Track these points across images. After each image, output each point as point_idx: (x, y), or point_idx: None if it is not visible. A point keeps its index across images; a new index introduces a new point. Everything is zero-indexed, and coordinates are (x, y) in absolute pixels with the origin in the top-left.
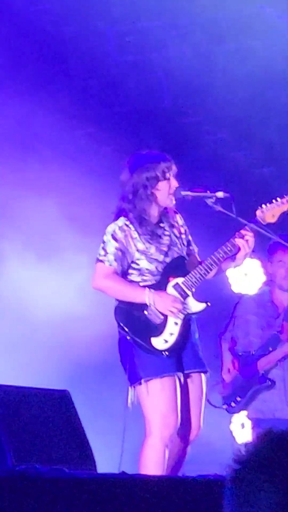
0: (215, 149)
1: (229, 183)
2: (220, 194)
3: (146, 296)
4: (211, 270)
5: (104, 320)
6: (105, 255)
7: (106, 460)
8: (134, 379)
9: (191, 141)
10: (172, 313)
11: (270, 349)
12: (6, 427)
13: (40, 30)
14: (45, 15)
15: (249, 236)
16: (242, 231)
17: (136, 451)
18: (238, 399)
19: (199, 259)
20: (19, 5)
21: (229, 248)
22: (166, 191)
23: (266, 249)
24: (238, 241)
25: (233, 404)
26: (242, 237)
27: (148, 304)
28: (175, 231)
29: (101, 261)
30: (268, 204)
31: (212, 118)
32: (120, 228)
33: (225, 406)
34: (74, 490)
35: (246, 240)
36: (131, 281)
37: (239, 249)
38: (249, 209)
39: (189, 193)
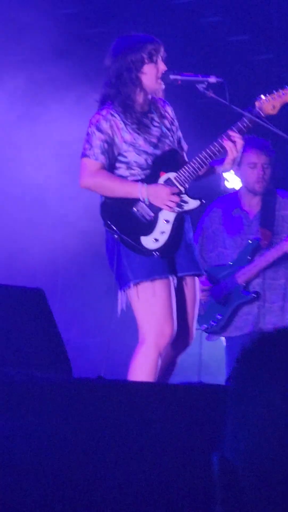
0: (210, 33)
1: (225, 70)
2: (212, 79)
3: (139, 190)
4: (203, 166)
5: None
6: (90, 149)
7: (89, 366)
8: (123, 283)
9: (184, 24)
10: (169, 207)
11: (249, 258)
12: None
13: None
14: None
15: (237, 137)
16: (230, 132)
17: (121, 358)
18: (219, 317)
19: (186, 159)
20: None
21: (217, 149)
22: (153, 75)
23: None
24: (226, 143)
25: (212, 323)
26: (230, 138)
27: (142, 199)
28: (166, 122)
29: (86, 155)
30: (268, 95)
31: None
32: (105, 117)
33: (204, 327)
34: (46, 395)
35: (233, 141)
36: (119, 176)
37: (226, 152)
38: (246, 99)
39: (178, 77)
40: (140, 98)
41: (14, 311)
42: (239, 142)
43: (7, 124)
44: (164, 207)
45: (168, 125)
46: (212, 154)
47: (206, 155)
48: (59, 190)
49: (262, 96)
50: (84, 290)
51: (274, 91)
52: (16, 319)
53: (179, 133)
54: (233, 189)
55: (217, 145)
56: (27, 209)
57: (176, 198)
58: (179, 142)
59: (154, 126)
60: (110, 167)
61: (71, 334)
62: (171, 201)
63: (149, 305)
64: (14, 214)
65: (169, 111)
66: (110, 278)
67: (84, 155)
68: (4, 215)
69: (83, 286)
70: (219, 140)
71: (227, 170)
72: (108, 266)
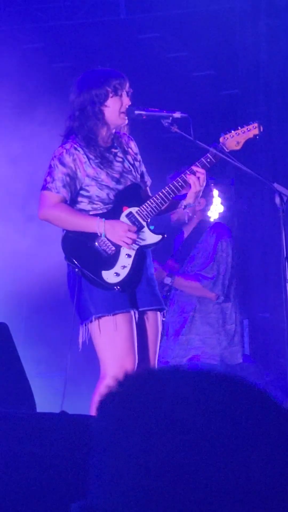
0: (175, 68)
1: (189, 105)
2: (177, 114)
3: (97, 225)
4: (165, 202)
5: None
6: (52, 182)
7: (48, 400)
8: (85, 316)
9: (149, 58)
10: (125, 243)
11: None
12: None
13: None
14: None
15: (200, 173)
16: (194, 167)
17: (80, 392)
18: None
19: (150, 193)
20: None
21: (180, 184)
22: (116, 108)
23: (228, 178)
24: (189, 178)
25: None
26: (194, 173)
27: (98, 234)
28: (129, 157)
29: (47, 188)
30: (232, 131)
31: (172, 33)
32: (68, 151)
33: None
34: (9, 429)
35: (197, 177)
36: (81, 210)
37: (189, 186)
38: (211, 134)
39: (143, 112)
40: (103, 132)
41: None
42: (202, 177)
43: None
44: (120, 243)
45: (131, 161)
46: (175, 189)
47: (169, 190)
48: (22, 223)
49: (227, 132)
50: (48, 323)
51: (239, 127)
52: None
53: (143, 168)
54: None
55: (180, 180)
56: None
57: (133, 235)
58: (142, 176)
59: (117, 161)
60: (72, 201)
61: (35, 368)
62: (128, 237)
63: (111, 339)
64: None
65: (133, 146)
66: (72, 311)
67: (45, 187)
68: None
69: (46, 319)
70: (183, 175)
71: (190, 205)
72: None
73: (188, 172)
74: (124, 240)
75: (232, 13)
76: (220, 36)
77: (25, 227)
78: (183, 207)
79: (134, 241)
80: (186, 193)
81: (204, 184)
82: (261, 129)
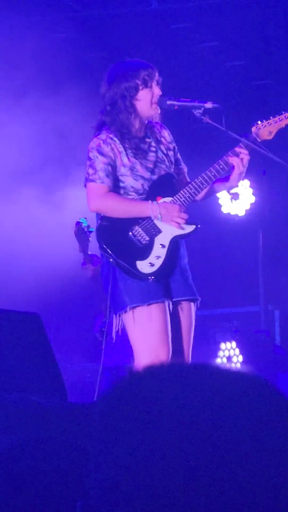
0: (207, 58)
1: (221, 96)
2: (209, 104)
3: (150, 208)
4: (201, 189)
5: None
6: (94, 173)
7: (83, 391)
8: (119, 307)
9: (180, 49)
10: (177, 223)
11: None
12: None
13: None
14: None
15: (244, 154)
16: (237, 149)
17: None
18: None
19: (188, 179)
20: None
21: (221, 167)
22: (148, 100)
23: (260, 168)
24: (232, 160)
25: None
26: (237, 155)
27: (153, 217)
28: (162, 147)
29: (92, 180)
30: (264, 121)
31: (204, 23)
32: (105, 141)
33: None
34: (41, 419)
35: (241, 158)
36: None
37: (232, 168)
38: (243, 125)
39: (175, 102)
40: (136, 124)
41: (10, 335)
42: (246, 157)
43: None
44: (172, 223)
45: (164, 150)
46: (208, 179)
47: (202, 180)
48: (51, 216)
49: (259, 122)
50: (80, 313)
51: (271, 117)
52: (13, 343)
53: (178, 155)
54: (229, 213)
55: (213, 170)
56: (20, 235)
57: (185, 215)
58: (178, 164)
59: (151, 151)
60: None
61: (67, 358)
62: (181, 218)
63: (145, 330)
64: (7, 240)
65: (166, 135)
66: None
67: (89, 180)
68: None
69: (79, 310)
70: (216, 165)
71: (234, 186)
72: (101, 290)
73: (221, 163)
74: (176, 221)
75: (264, 2)
76: (252, 25)
77: (55, 218)
78: (227, 189)
79: (185, 221)
80: (229, 176)
81: (247, 166)
82: None
